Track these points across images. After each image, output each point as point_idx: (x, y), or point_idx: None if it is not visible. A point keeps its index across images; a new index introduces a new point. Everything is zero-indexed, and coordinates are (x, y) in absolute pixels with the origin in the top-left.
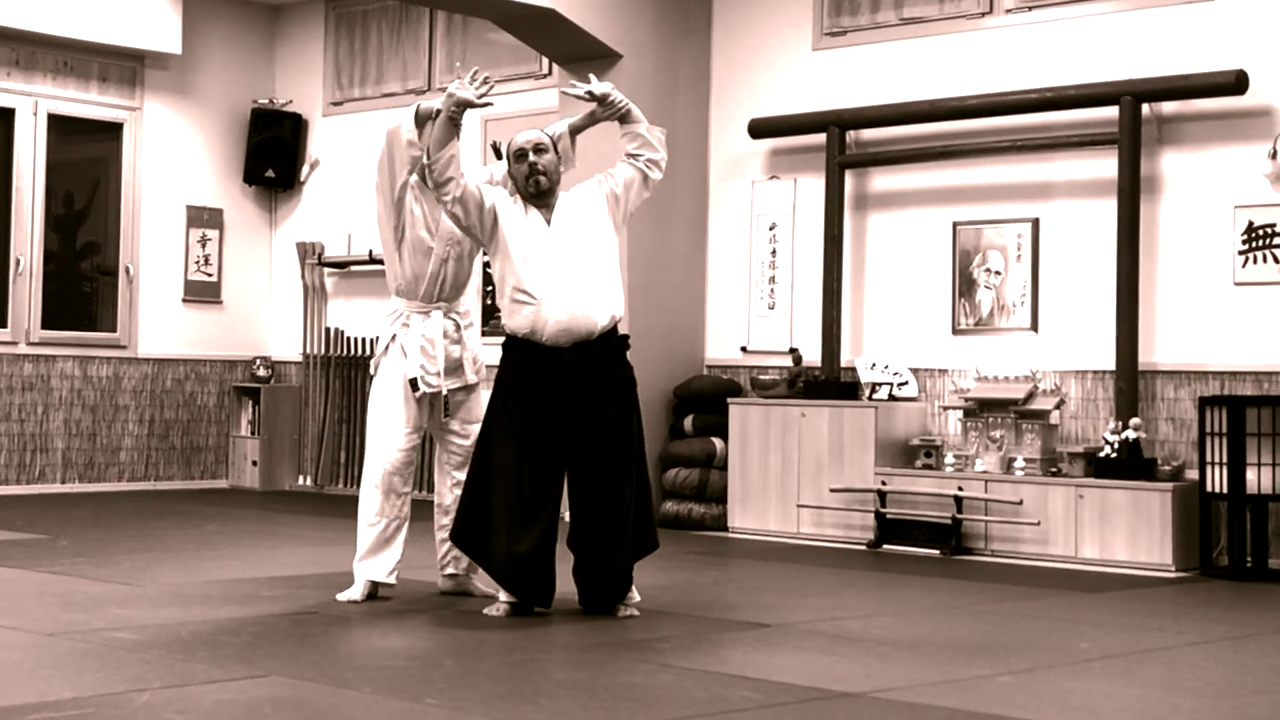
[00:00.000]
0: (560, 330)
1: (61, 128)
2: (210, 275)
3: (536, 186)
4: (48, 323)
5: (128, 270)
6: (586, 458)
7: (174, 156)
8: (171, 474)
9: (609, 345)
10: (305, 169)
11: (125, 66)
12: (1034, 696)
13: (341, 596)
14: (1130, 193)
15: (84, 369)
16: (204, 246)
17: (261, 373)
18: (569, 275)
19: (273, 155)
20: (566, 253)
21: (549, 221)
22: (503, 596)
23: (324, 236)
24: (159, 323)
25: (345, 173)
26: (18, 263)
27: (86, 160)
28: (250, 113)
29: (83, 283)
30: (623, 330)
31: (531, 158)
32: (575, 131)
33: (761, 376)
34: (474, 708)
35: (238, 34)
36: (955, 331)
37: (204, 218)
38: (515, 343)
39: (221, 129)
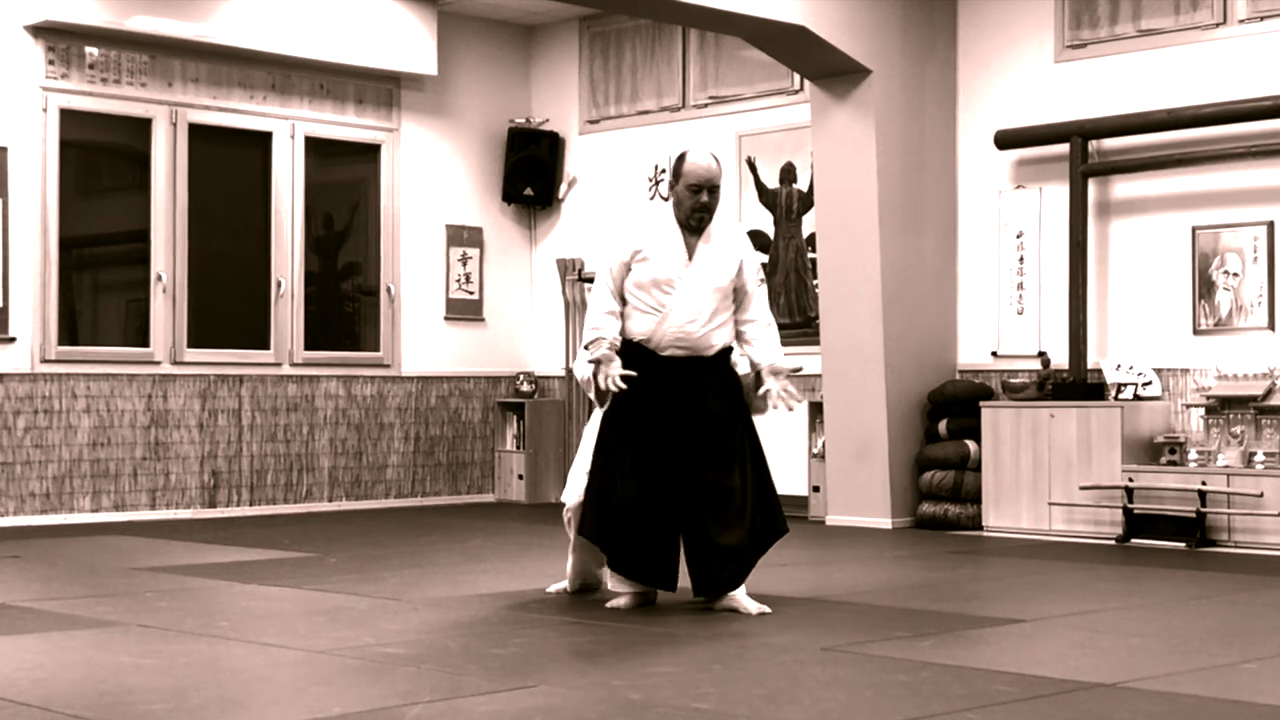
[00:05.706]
0: (675, 343)
1: (319, 150)
2: (471, 293)
3: (699, 222)
4: (310, 343)
5: (389, 290)
6: (697, 452)
7: (432, 176)
8: (438, 490)
9: (715, 356)
10: (563, 186)
11: (381, 88)
12: None
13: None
14: None
15: (348, 388)
16: (464, 265)
17: (525, 388)
18: (696, 302)
19: (530, 173)
20: (699, 282)
21: (693, 251)
22: (623, 590)
23: (583, 253)
24: (422, 341)
25: (603, 190)
26: (279, 285)
27: (345, 182)
28: (507, 131)
29: (344, 303)
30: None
31: (704, 198)
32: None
33: (1012, 380)
34: (740, 710)
35: (493, 54)
36: (1196, 332)
37: (464, 236)
38: (630, 348)
39: (479, 148)
